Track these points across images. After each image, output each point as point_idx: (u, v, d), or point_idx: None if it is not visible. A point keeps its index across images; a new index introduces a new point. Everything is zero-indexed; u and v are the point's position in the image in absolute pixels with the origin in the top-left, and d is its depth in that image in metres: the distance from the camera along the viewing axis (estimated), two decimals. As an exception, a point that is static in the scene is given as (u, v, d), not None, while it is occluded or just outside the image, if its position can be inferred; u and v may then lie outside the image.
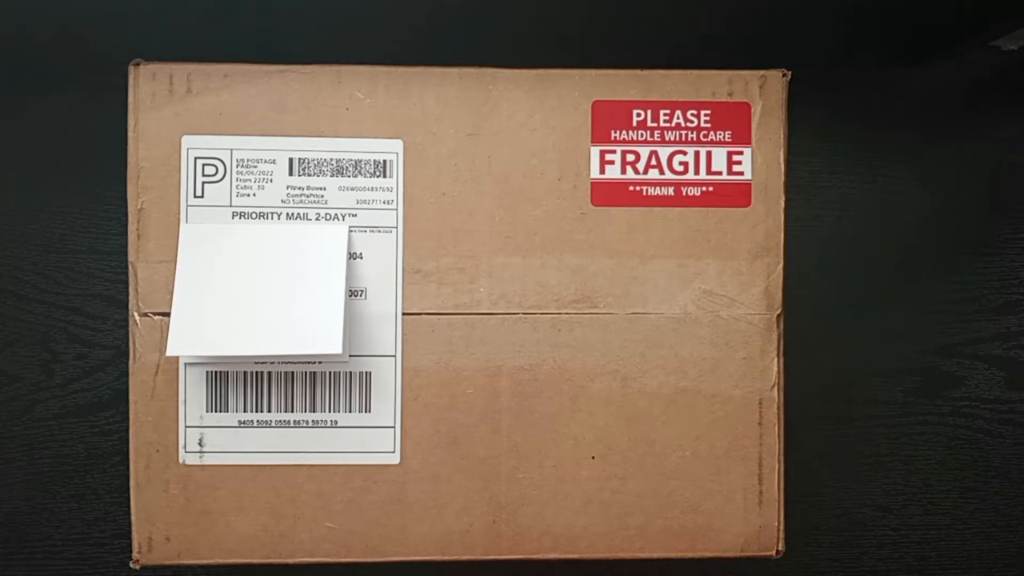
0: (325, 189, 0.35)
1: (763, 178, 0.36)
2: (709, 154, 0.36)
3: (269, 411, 0.35)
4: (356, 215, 0.35)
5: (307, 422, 0.35)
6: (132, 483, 0.35)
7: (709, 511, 0.36)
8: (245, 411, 0.35)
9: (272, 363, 0.35)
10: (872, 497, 0.49)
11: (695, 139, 0.36)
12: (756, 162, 0.36)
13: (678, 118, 0.36)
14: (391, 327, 0.35)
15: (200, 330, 0.33)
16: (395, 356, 0.35)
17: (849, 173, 0.48)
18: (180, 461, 0.35)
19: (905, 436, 0.49)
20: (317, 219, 0.35)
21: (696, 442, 0.36)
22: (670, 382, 0.36)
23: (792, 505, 0.37)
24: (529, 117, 0.36)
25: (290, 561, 0.35)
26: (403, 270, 0.35)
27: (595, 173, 0.36)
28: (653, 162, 0.36)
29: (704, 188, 0.36)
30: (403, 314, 0.35)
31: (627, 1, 0.43)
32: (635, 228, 0.36)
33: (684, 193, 0.36)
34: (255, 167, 0.35)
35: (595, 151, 0.36)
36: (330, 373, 0.35)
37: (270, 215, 0.35)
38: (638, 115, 0.36)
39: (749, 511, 0.36)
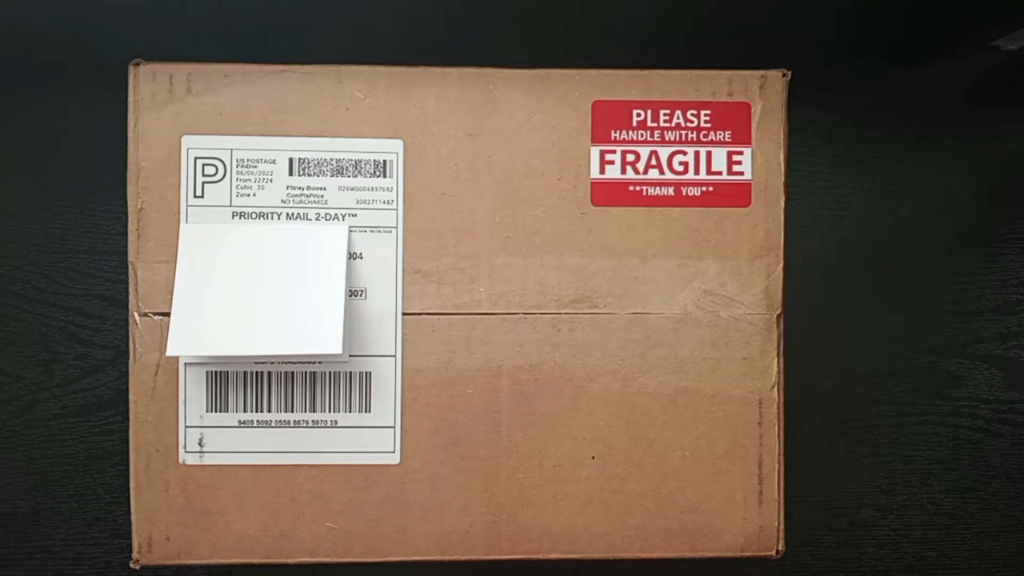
0: (325, 189, 0.35)
1: (763, 178, 0.36)
2: (709, 154, 0.36)
3: (269, 411, 0.35)
4: (356, 215, 0.35)
5: (307, 422, 0.35)
6: (132, 483, 0.35)
7: (709, 511, 0.36)
8: (245, 411, 0.35)
9: (272, 363, 0.35)
10: (872, 497, 0.49)
11: (695, 139, 0.36)
12: (756, 162, 0.36)
13: (678, 118, 0.36)
14: (391, 327, 0.35)
15: (200, 330, 0.33)
16: (395, 356, 0.35)
17: (849, 173, 0.48)
18: (180, 461, 0.35)
19: (905, 436, 0.49)
20: (317, 219, 0.35)
21: (696, 442, 0.36)
22: (670, 382, 0.36)
23: (792, 505, 0.37)
24: (529, 117, 0.36)
25: (290, 561, 0.35)
26: (403, 270, 0.35)
27: (595, 173, 0.36)
28: (653, 162, 0.36)
29: (704, 188, 0.36)
30: (403, 314, 0.35)
31: (627, 1, 0.43)
32: (635, 228, 0.36)
33: (684, 193, 0.36)
34: (255, 167, 0.35)
35: (595, 151, 0.36)
36: (330, 373, 0.35)
37: (270, 215, 0.35)
38: (638, 115, 0.36)
39: (749, 511, 0.36)
